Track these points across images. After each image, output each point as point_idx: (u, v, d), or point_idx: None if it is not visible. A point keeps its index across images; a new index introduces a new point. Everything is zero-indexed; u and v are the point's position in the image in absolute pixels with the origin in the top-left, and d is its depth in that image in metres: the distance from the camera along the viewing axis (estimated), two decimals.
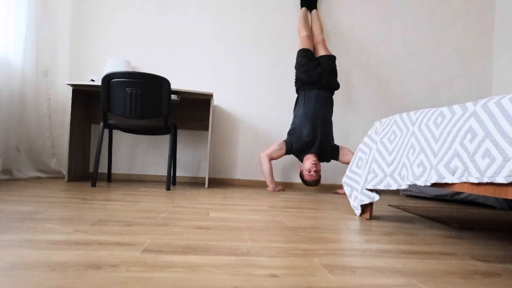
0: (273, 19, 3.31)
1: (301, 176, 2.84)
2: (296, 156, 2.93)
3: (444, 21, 3.54)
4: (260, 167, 2.96)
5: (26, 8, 2.61)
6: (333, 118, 3.34)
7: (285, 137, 3.12)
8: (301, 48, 3.01)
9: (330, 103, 2.94)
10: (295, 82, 2.99)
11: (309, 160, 2.77)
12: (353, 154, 2.87)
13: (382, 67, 3.45)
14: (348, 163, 2.89)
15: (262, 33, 3.30)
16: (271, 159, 2.86)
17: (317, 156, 2.84)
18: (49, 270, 0.77)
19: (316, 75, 2.87)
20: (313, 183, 2.79)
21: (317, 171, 2.75)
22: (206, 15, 3.23)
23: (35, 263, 0.81)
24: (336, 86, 2.97)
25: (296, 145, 2.84)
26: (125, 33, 3.14)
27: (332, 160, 3.33)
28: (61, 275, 0.75)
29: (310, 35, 3.08)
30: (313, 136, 2.80)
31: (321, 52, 3.01)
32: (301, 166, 2.86)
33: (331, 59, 2.96)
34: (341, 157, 2.90)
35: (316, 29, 3.13)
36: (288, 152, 2.87)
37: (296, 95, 3.27)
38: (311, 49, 3.01)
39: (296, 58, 3.01)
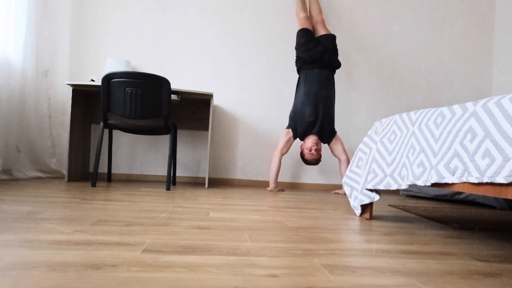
0: (273, 19, 3.31)
1: (302, 155, 2.85)
2: (300, 138, 2.93)
3: (444, 21, 3.54)
4: (271, 163, 2.97)
5: (26, 8, 2.61)
6: (335, 99, 3.30)
7: None
8: (300, 28, 2.99)
9: (332, 82, 2.92)
10: (296, 61, 2.97)
11: (310, 139, 2.78)
12: (342, 147, 2.87)
13: (382, 67, 3.45)
14: (334, 155, 2.91)
15: (262, 33, 3.30)
16: (283, 154, 2.88)
17: (318, 136, 2.85)
18: (49, 270, 0.77)
19: (318, 54, 2.85)
20: (314, 161, 2.81)
21: (318, 150, 2.77)
22: (206, 15, 3.23)
23: (35, 263, 0.81)
24: (338, 65, 2.95)
25: (300, 129, 2.84)
26: (125, 33, 3.14)
27: (332, 160, 3.33)
28: (61, 275, 0.75)
29: (309, 16, 3.06)
30: (315, 116, 2.80)
31: (321, 31, 2.99)
32: (302, 145, 2.87)
33: (331, 37, 2.94)
34: (332, 144, 2.89)
35: (314, 10, 3.11)
36: (294, 137, 2.88)
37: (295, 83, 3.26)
38: (311, 29, 2.99)
39: (296, 39, 2.99)
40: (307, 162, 2.84)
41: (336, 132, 2.91)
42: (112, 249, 0.96)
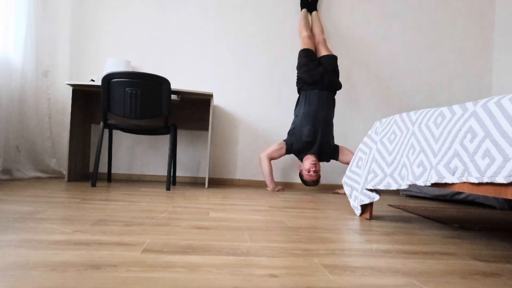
0: (273, 19, 3.31)
1: (301, 176, 2.84)
2: (296, 155, 2.93)
3: (444, 21, 3.54)
4: (260, 167, 2.97)
5: (26, 8, 2.61)
6: (333, 118, 3.34)
7: (285, 137, 3.12)
8: (302, 48, 3.01)
9: (332, 103, 2.94)
10: (297, 82, 2.99)
11: (309, 160, 2.77)
12: (351, 153, 2.88)
13: (382, 67, 3.45)
14: (348, 163, 2.90)
15: (262, 33, 3.30)
16: (271, 159, 2.87)
17: (317, 156, 2.85)
18: (49, 270, 0.77)
19: (318, 75, 2.87)
20: (312, 183, 2.79)
21: (316, 171, 2.75)
22: (206, 15, 3.23)
23: (35, 263, 0.81)
24: (338, 86, 2.97)
25: (296, 145, 2.84)
26: (125, 33, 3.14)
27: (332, 160, 3.33)
28: (61, 275, 0.75)
29: (311, 36, 3.08)
30: (313, 136, 2.80)
31: (322, 52, 3.01)
32: (300, 166, 2.86)
33: (333, 59, 2.95)
34: (341, 157, 2.90)
35: (316, 30, 3.13)
36: (288, 152, 2.87)
37: (297, 95, 3.27)
38: (313, 49, 3.00)
39: (298, 59, 3.01)
40: (305, 183, 2.83)
41: (338, 146, 2.91)
42: (112, 249, 0.96)
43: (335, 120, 3.36)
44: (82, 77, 3.08)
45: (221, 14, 3.25)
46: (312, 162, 2.75)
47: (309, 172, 2.74)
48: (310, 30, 3.13)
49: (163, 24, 3.18)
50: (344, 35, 3.40)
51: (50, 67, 2.90)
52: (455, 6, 3.55)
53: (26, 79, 2.67)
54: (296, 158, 3.30)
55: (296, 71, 3.27)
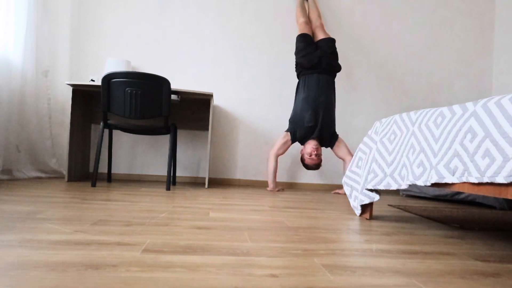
0: (273, 19, 3.31)
1: (302, 160, 2.84)
2: (300, 142, 2.93)
3: (444, 21, 3.54)
4: (267, 164, 2.98)
5: (26, 8, 2.61)
6: (335, 103, 3.30)
7: None
8: (299, 33, 3.00)
9: (332, 86, 2.91)
10: (295, 67, 2.98)
11: (310, 144, 2.78)
12: (347, 148, 2.87)
13: (382, 67, 3.45)
14: (339, 157, 2.91)
15: (262, 33, 3.30)
16: (278, 156, 2.88)
17: (318, 141, 2.85)
18: (49, 270, 0.77)
19: (316, 59, 2.85)
20: (314, 166, 2.80)
21: (318, 155, 2.76)
22: (206, 15, 3.23)
23: (35, 263, 0.81)
24: (337, 68, 2.94)
25: (299, 132, 2.84)
26: (125, 33, 3.14)
27: (333, 160, 3.33)
28: (61, 275, 0.75)
29: (308, 21, 3.06)
30: (315, 121, 2.80)
31: (320, 36, 2.99)
32: (302, 150, 2.87)
33: (330, 41, 2.93)
34: (335, 147, 2.89)
35: (313, 15, 3.12)
36: (293, 140, 2.88)
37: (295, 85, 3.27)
38: (310, 34, 2.99)
39: (295, 44, 2.99)
40: (307, 167, 2.83)
41: (338, 135, 2.91)
42: (112, 249, 0.96)
43: (336, 119, 3.35)
44: (82, 77, 3.08)
45: (221, 14, 3.25)
46: (314, 146, 2.76)
47: (310, 155, 2.75)
48: (307, 16, 3.12)
49: (163, 24, 3.18)
50: (344, 35, 3.40)
51: (50, 67, 2.90)
52: (455, 6, 3.55)
53: (26, 79, 2.67)
54: (298, 158, 3.30)
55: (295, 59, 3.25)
